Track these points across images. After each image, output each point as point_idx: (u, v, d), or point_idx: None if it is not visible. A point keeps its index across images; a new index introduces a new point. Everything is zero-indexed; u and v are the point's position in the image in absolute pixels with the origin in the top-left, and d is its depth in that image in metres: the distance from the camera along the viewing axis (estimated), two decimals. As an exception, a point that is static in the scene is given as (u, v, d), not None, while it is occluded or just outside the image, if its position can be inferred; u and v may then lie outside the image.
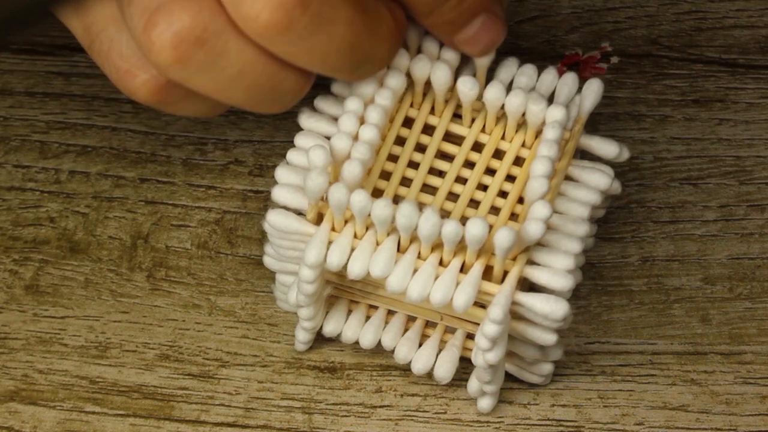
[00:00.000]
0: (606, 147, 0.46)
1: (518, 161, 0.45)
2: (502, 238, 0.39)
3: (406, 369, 0.47)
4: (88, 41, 0.37)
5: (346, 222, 0.41)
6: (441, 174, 0.45)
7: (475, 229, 0.39)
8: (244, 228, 0.50)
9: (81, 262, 0.49)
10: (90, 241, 0.50)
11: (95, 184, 0.51)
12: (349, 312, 0.46)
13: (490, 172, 0.45)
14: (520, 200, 0.43)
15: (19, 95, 0.54)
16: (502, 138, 0.45)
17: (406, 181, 0.44)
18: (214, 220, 0.51)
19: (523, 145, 0.45)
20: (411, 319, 0.46)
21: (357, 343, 0.46)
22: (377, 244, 0.41)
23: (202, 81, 0.35)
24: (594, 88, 0.46)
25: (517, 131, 0.45)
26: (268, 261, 0.46)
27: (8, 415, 0.45)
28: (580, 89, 0.46)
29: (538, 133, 0.45)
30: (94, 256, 0.50)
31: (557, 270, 0.41)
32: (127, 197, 0.51)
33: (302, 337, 0.46)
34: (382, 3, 0.37)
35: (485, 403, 0.45)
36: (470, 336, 0.45)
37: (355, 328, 0.46)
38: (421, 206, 0.41)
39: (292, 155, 0.44)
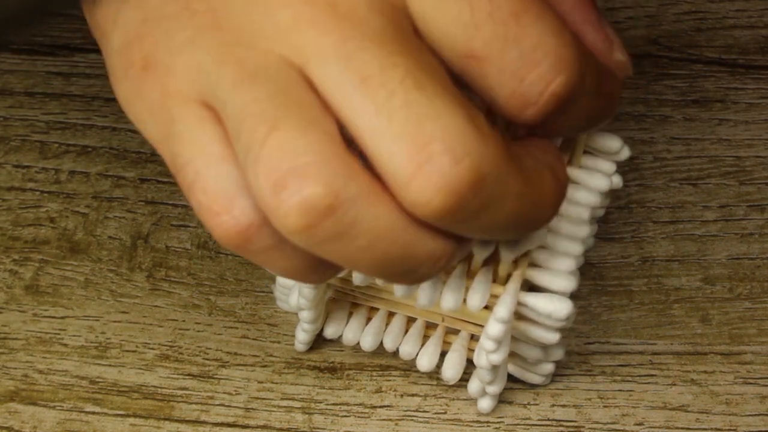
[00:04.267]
0: (608, 142, 0.46)
1: None
2: (508, 243, 0.39)
3: (406, 369, 0.47)
4: (172, 169, 0.35)
5: None
6: None
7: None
8: (244, 228, 0.50)
9: (81, 262, 0.49)
10: (90, 241, 0.50)
11: (95, 184, 0.51)
12: (350, 314, 0.46)
13: None
14: None
15: (19, 95, 0.54)
16: None
17: None
18: (214, 220, 0.51)
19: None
20: (411, 319, 0.46)
21: (358, 344, 0.46)
22: None
23: (329, 250, 0.32)
24: None
25: None
26: None
27: (8, 415, 0.45)
28: None
29: None
30: (94, 256, 0.50)
31: (559, 272, 0.41)
32: (127, 197, 0.51)
33: (302, 337, 0.46)
34: (542, 161, 0.34)
35: (485, 404, 0.45)
36: (474, 337, 0.45)
37: (356, 330, 0.46)
38: None
39: None
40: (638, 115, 0.54)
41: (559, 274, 0.41)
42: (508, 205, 0.32)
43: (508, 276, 0.41)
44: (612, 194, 0.50)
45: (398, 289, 0.40)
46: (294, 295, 0.44)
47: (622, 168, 0.51)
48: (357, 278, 0.41)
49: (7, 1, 0.33)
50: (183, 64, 0.33)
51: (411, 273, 0.34)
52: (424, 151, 0.31)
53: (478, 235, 0.33)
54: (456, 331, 0.46)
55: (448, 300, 0.40)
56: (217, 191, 0.33)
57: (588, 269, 0.49)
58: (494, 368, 0.43)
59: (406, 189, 0.31)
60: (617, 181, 0.46)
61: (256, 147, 0.31)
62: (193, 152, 0.33)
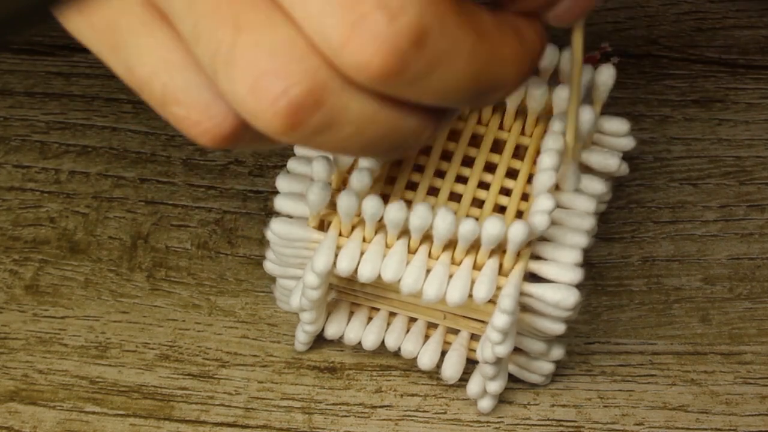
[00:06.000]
0: (616, 125, 0.46)
1: (517, 150, 0.45)
2: (516, 232, 0.39)
3: (406, 369, 0.47)
4: (134, 86, 0.32)
5: (353, 227, 0.41)
6: (442, 175, 0.45)
7: (493, 228, 0.39)
8: (244, 228, 0.50)
9: (81, 262, 0.49)
10: (90, 241, 0.50)
11: (95, 184, 0.51)
12: (351, 314, 0.46)
13: (492, 166, 0.45)
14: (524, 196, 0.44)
15: (19, 95, 0.54)
16: (500, 128, 0.45)
17: (406, 183, 0.44)
18: (214, 220, 0.51)
19: (522, 132, 0.45)
20: (412, 320, 0.46)
21: (359, 344, 0.46)
22: (386, 246, 0.41)
23: (317, 142, 0.31)
24: (605, 75, 0.45)
25: (514, 120, 0.45)
26: (269, 266, 0.46)
27: (8, 415, 0.45)
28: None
29: (538, 120, 0.45)
30: (94, 256, 0.50)
31: (565, 264, 0.41)
32: (127, 197, 0.51)
33: (303, 338, 0.46)
34: (506, 22, 0.32)
35: (485, 404, 0.45)
36: (473, 337, 0.45)
37: (358, 330, 0.46)
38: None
39: (292, 163, 0.44)
40: (638, 115, 0.54)
41: (564, 266, 0.41)
42: (460, 63, 0.30)
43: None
44: (613, 190, 0.50)
45: (405, 286, 0.40)
46: (296, 296, 0.44)
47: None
48: (362, 276, 0.41)
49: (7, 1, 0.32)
50: None
51: (396, 150, 0.32)
52: (356, 10, 0.28)
53: (435, 99, 0.31)
54: (456, 332, 0.46)
55: (454, 294, 0.40)
56: (191, 100, 0.31)
57: (588, 269, 0.49)
58: (498, 362, 0.43)
59: (341, 54, 0.29)
60: (624, 168, 0.46)
61: (223, 51, 0.29)
62: (154, 64, 0.31)
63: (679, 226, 0.51)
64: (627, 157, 0.48)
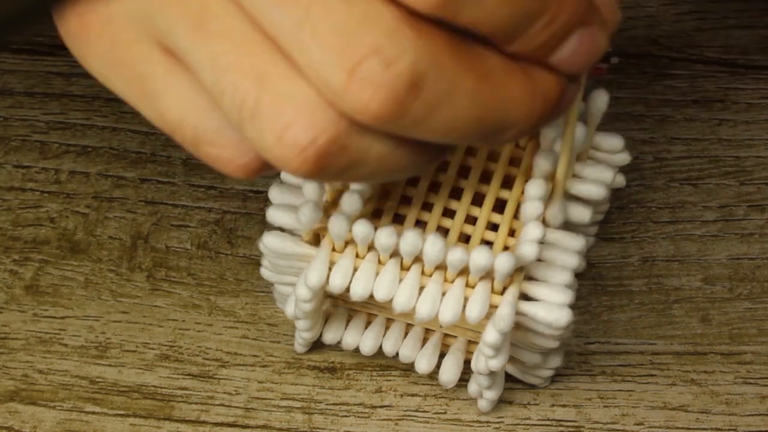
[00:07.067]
0: (609, 141, 0.46)
1: (512, 162, 0.45)
2: (501, 263, 0.39)
3: (406, 369, 0.47)
4: (167, 130, 0.34)
5: (346, 243, 0.41)
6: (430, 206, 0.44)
7: (480, 259, 0.39)
8: (244, 228, 0.50)
9: (81, 262, 0.49)
10: (90, 241, 0.50)
11: (95, 184, 0.51)
12: (349, 319, 0.46)
13: (486, 179, 0.44)
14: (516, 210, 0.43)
15: (19, 95, 0.54)
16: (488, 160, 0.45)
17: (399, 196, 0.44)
18: (214, 220, 0.51)
19: (517, 145, 0.45)
20: (409, 324, 0.46)
21: (357, 348, 0.46)
22: (379, 263, 0.41)
23: (342, 179, 0.33)
24: (598, 102, 0.45)
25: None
26: (266, 273, 0.46)
27: (8, 415, 0.45)
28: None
29: (528, 144, 0.44)
30: (94, 256, 0.50)
31: (556, 285, 0.41)
32: (127, 197, 0.51)
33: (301, 342, 0.46)
34: (515, 64, 0.33)
35: (485, 403, 0.45)
36: (471, 341, 0.45)
37: (356, 335, 0.45)
38: (418, 224, 0.40)
39: (285, 174, 0.43)
40: (638, 115, 0.54)
41: (555, 287, 0.41)
42: (461, 104, 0.31)
43: (505, 289, 0.41)
44: (612, 195, 0.50)
45: (397, 305, 0.40)
46: (290, 305, 0.44)
47: (623, 168, 0.51)
48: (355, 294, 0.40)
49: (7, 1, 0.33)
50: (119, 11, 0.32)
51: (405, 176, 0.35)
52: (352, 57, 0.30)
53: (440, 138, 0.32)
54: (455, 336, 0.45)
55: (447, 313, 0.40)
56: (223, 140, 0.33)
57: (588, 269, 0.49)
58: (492, 374, 0.42)
59: (342, 99, 0.30)
60: (620, 180, 0.45)
61: (249, 104, 0.31)
62: (182, 108, 0.33)
63: (679, 226, 0.51)
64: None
